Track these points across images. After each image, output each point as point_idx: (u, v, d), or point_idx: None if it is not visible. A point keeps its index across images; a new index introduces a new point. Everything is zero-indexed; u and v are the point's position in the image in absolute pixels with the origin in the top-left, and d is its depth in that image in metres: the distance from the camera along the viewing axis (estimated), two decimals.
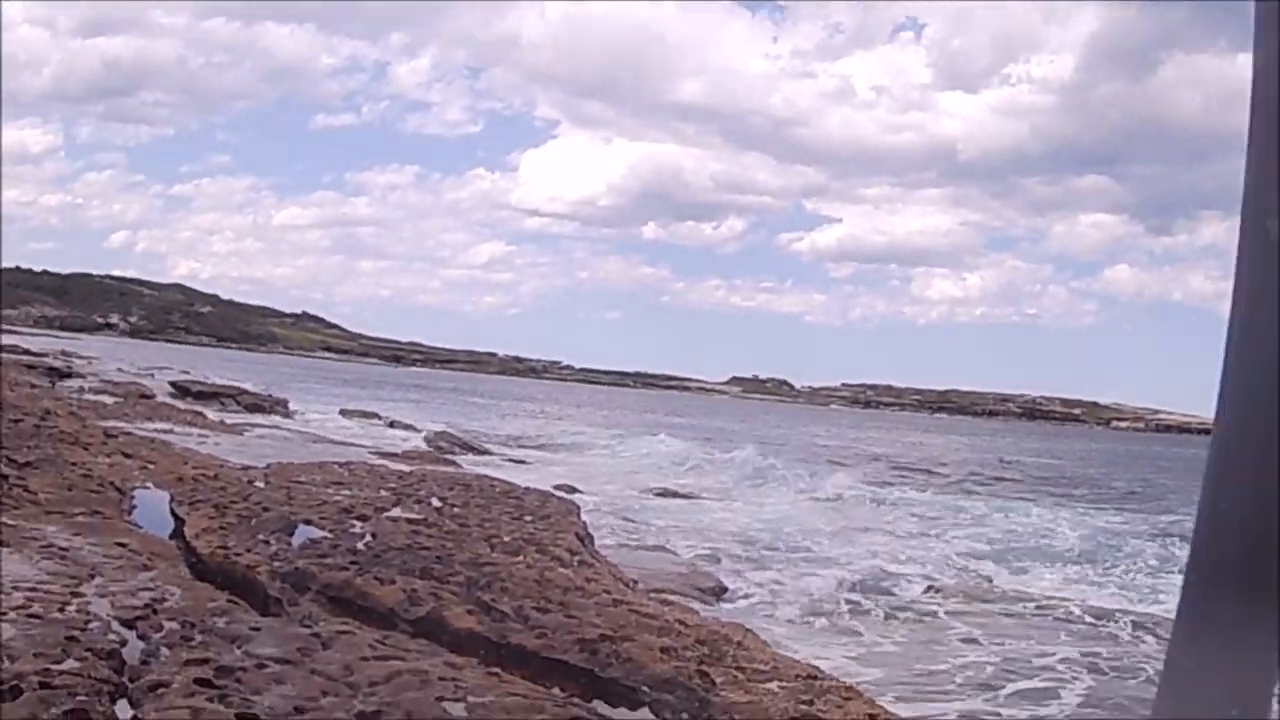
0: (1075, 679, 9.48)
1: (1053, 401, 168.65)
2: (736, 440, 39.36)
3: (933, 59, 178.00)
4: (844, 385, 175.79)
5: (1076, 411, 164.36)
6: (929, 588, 13.22)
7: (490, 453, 26.96)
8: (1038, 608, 12.48)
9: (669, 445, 34.29)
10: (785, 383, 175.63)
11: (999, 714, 8.56)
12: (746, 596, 11.62)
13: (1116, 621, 11.64)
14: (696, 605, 8.57)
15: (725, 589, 11.49)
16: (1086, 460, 57.10)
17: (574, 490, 17.23)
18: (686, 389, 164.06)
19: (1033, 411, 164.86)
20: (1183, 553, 14.17)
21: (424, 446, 22.51)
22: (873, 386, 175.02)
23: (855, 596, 12.25)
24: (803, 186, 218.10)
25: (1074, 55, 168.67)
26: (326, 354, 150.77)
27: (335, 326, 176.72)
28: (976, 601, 12.59)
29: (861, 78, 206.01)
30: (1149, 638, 10.62)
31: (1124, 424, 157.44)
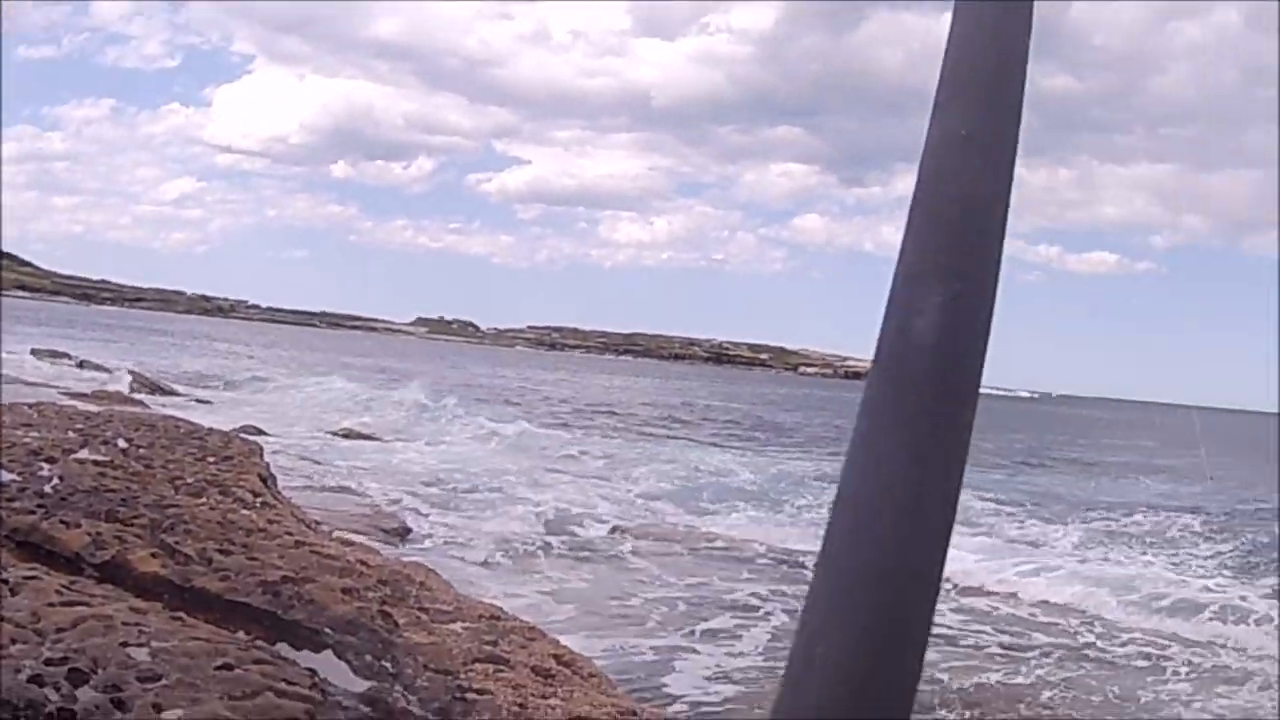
0: (768, 615, 10.27)
1: (740, 346, 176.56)
2: (416, 380, 39.29)
3: (632, 6, 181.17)
4: (530, 327, 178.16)
5: (764, 356, 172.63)
6: (615, 529, 13.83)
7: (176, 393, 26.36)
8: (723, 547, 13.34)
9: (346, 386, 33.84)
10: (471, 324, 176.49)
11: (695, 649, 9.16)
12: (430, 537, 11.84)
13: (799, 561, 12.62)
14: (380, 546, 8.68)
15: (409, 530, 11.67)
16: (775, 404, 60.53)
17: (258, 431, 16.86)
18: (373, 329, 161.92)
19: (719, 356, 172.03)
20: None
21: (113, 387, 21.62)
22: (558, 329, 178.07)
23: (541, 537, 12.70)
24: (494, 127, 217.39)
25: (776, 7, 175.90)
26: (21, 293, 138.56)
27: (29, 264, 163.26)
28: (663, 541, 13.34)
29: (560, 22, 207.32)
30: None
31: (812, 369, 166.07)
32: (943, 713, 8.01)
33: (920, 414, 0.58)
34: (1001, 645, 10.10)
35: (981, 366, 0.61)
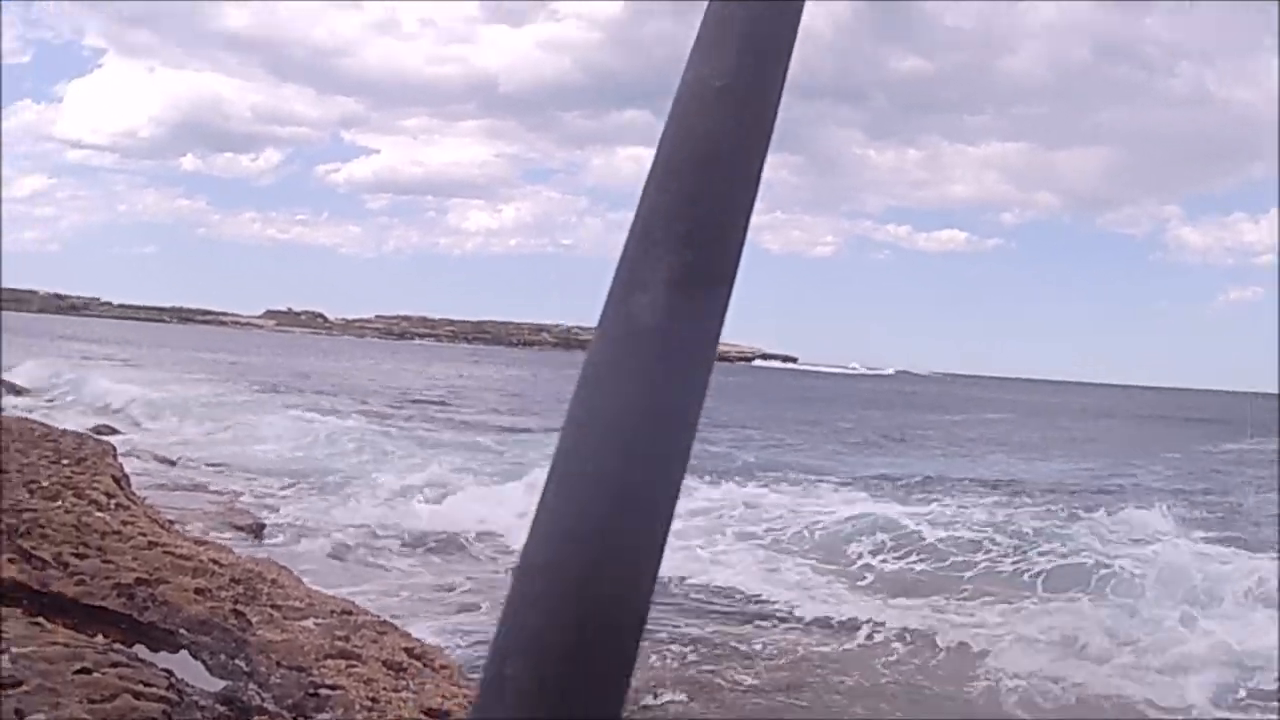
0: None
1: (588, 331, 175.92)
2: (261, 375, 38.69)
3: None
4: (378, 317, 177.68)
5: None
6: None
7: (29, 392, 25.53)
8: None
9: (199, 385, 33.08)
10: (320, 315, 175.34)
11: None
12: (284, 531, 11.96)
13: None
14: (235, 544, 8.85)
15: (263, 526, 11.76)
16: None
17: (111, 430, 16.64)
18: (223, 323, 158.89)
19: (569, 341, 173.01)
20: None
21: None
22: (407, 318, 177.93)
23: (389, 529, 12.92)
24: (341, 117, 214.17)
25: None
26: None
27: None
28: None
29: (409, 10, 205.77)
30: None
31: None
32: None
33: (636, 407, 0.53)
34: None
35: (713, 353, 0.56)
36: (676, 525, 0.53)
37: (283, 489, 15.03)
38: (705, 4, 0.64)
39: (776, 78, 0.63)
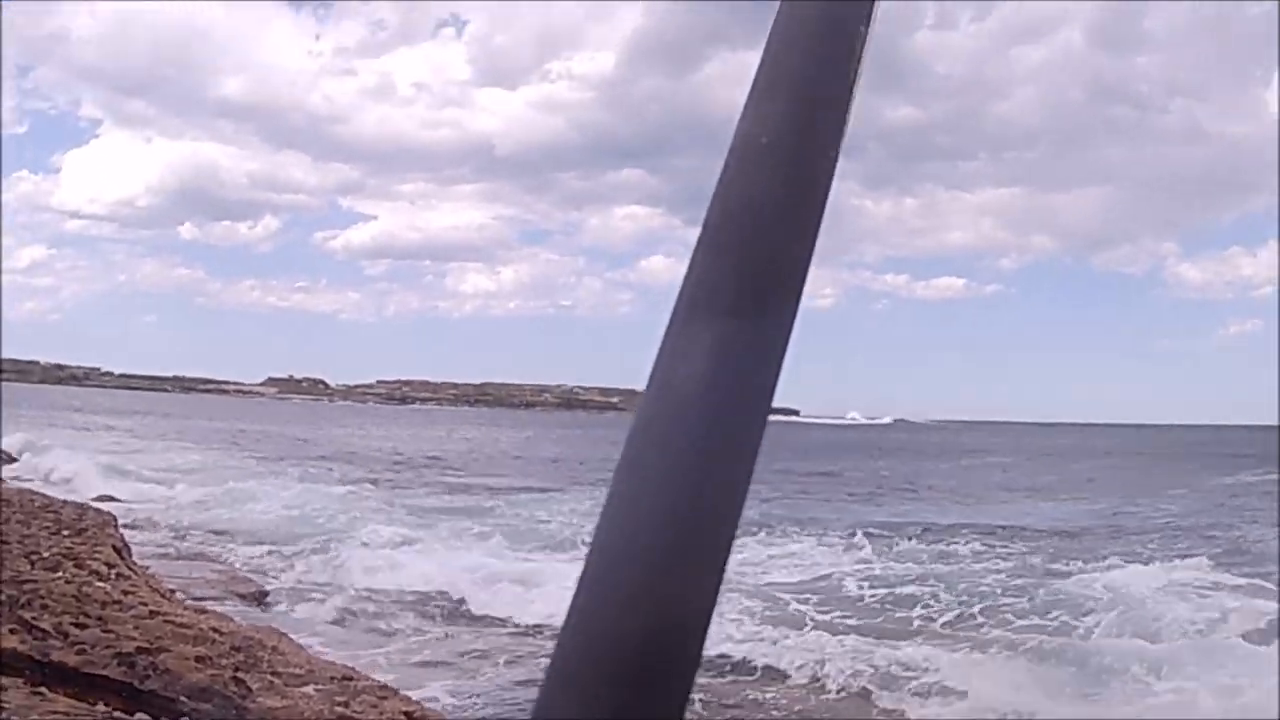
0: None
1: (590, 390, 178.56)
2: (259, 442, 38.80)
3: (473, 55, 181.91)
4: (379, 382, 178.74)
5: (614, 400, 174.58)
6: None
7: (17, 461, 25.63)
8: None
9: (192, 454, 33.14)
10: (321, 382, 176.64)
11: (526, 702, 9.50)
12: (287, 597, 11.98)
13: None
14: (237, 611, 8.88)
15: (266, 593, 11.78)
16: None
17: (112, 499, 16.72)
18: (224, 392, 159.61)
19: (570, 401, 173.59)
20: None
21: None
22: (408, 382, 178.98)
23: (391, 595, 12.93)
24: (338, 184, 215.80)
25: (616, 52, 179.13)
26: None
27: None
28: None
29: (403, 74, 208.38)
30: None
31: None
32: None
33: (680, 482, 0.52)
34: None
35: (764, 417, 0.54)
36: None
37: (281, 555, 15.05)
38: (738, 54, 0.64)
39: (829, 133, 0.59)
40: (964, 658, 11.12)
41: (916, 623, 12.94)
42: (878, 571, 15.76)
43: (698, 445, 0.53)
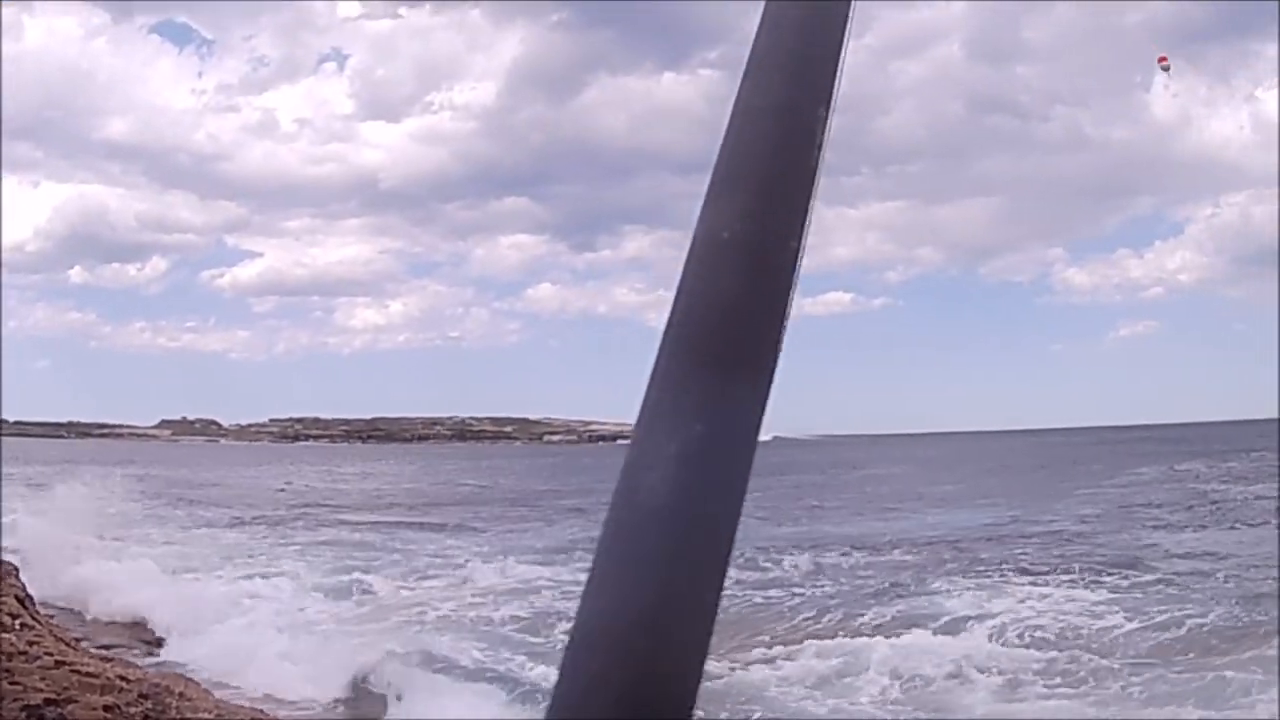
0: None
1: (483, 421, 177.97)
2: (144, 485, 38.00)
3: (355, 89, 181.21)
4: (271, 420, 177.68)
5: (508, 429, 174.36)
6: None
7: None
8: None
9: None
10: (214, 422, 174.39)
11: None
12: (185, 638, 11.89)
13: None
14: (140, 655, 8.89)
15: (163, 638, 11.71)
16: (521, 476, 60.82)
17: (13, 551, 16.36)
18: (120, 435, 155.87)
19: (463, 432, 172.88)
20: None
21: None
22: (300, 419, 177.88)
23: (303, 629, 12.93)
24: (225, 222, 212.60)
25: (497, 81, 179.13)
26: None
27: None
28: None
29: (285, 110, 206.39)
30: None
31: (556, 437, 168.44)
32: None
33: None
34: None
35: (733, 531, 0.54)
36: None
37: (188, 594, 14.91)
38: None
39: (791, 224, 0.60)
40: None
41: None
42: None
43: (666, 564, 0.53)
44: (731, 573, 0.55)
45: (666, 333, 0.57)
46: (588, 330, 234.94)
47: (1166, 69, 52.76)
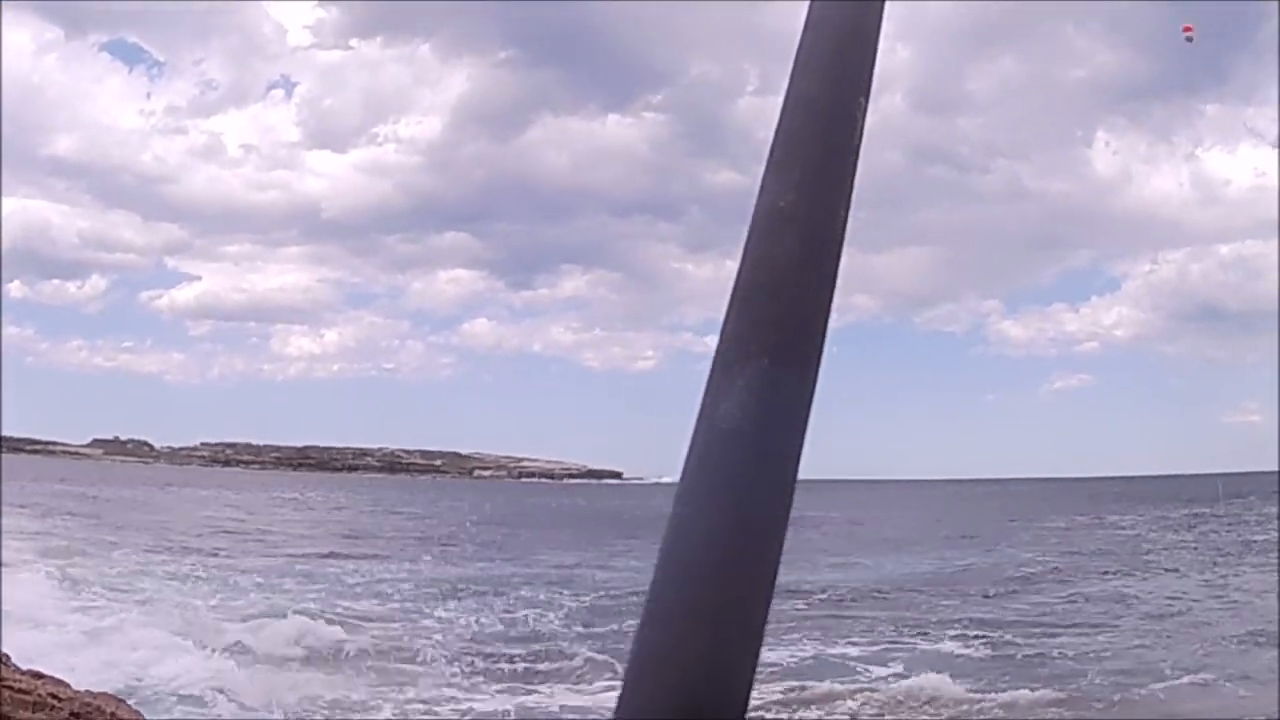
0: None
1: (413, 454, 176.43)
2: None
3: (303, 118, 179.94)
4: (203, 444, 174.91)
5: (438, 462, 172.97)
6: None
7: None
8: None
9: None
10: (146, 443, 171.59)
11: None
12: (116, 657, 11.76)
13: None
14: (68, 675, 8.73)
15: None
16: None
17: None
18: (51, 453, 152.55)
19: (394, 464, 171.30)
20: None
21: None
22: (232, 445, 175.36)
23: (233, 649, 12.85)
24: (165, 244, 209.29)
25: (442, 116, 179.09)
26: None
27: None
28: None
29: (232, 135, 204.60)
30: None
31: (487, 472, 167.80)
32: None
33: (728, 506, 0.57)
34: None
35: (799, 452, 0.60)
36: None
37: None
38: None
39: (838, 198, 0.69)
40: None
41: None
42: None
43: (743, 476, 0.59)
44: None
45: (736, 283, 0.66)
46: (522, 367, 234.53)
47: (1190, 39, 51.99)
